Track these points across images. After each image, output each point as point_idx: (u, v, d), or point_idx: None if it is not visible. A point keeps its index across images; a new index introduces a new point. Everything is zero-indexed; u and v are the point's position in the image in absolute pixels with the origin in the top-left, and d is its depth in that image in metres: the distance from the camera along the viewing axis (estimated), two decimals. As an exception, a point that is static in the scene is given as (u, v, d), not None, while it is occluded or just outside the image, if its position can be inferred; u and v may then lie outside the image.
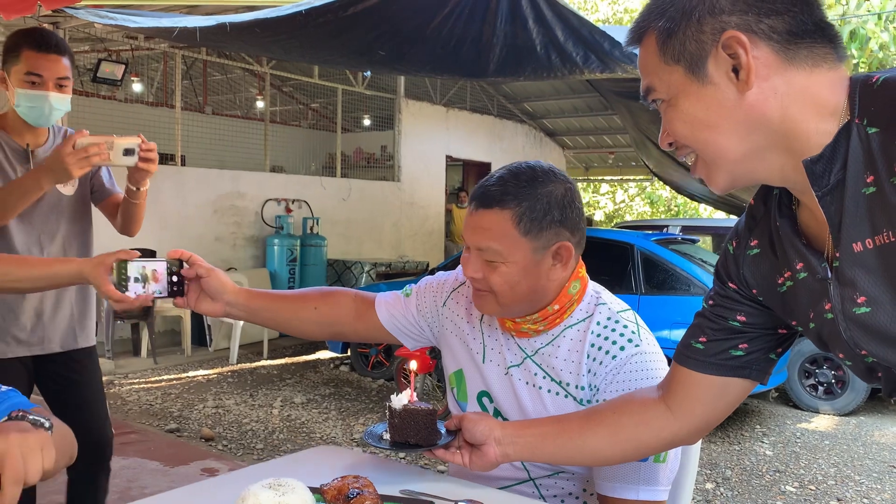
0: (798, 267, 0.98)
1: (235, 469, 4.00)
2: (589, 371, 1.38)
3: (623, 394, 1.32)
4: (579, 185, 17.56)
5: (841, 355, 0.98)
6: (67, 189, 2.33)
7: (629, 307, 1.47)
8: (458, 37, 4.31)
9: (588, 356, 1.38)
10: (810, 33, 0.88)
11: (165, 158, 8.54)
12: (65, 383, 2.41)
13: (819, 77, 0.88)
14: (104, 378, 6.23)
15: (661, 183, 13.76)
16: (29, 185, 2.04)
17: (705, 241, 8.34)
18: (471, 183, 13.20)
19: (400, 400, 1.33)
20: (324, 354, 7.79)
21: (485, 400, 1.51)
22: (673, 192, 14.78)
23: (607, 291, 1.50)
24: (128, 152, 2.04)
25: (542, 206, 1.34)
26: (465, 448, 1.32)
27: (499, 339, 1.50)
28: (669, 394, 1.21)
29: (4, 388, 1.31)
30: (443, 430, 1.34)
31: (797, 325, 1.06)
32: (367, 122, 11.58)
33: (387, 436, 1.34)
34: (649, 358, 1.37)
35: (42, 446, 1.04)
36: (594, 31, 4.10)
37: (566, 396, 1.40)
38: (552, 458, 1.31)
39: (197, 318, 7.69)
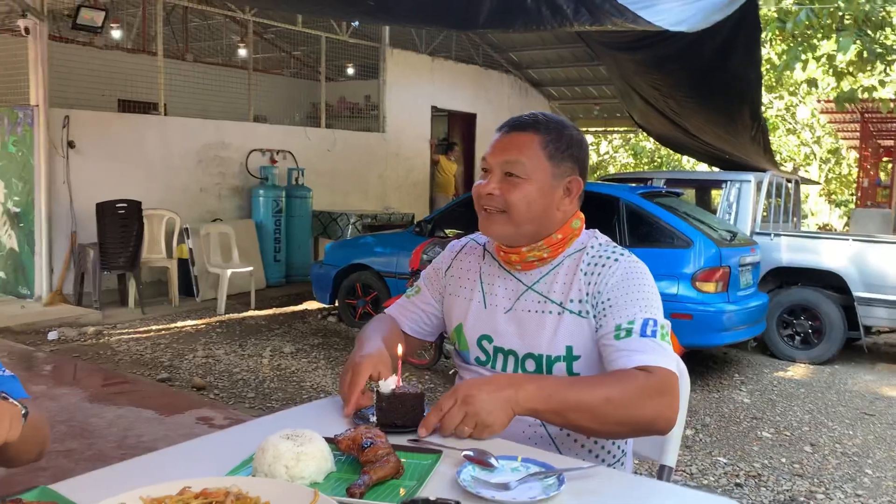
0: None
1: (230, 417, 4.10)
2: (586, 283, 1.54)
3: None
4: (563, 135, 17.45)
5: None
6: None
7: None
8: (448, -12, 4.27)
9: (583, 272, 1.55)
10: None
11: (148, 107, 8.44)
12: None
13: None
14: (92, 328, 6.30)
15: (646, 134, 13.77)
16: None
17: (688, 194, 8.43)
18: (455, 134, 13.13)
19: (388, 385, 1.40)
20: (311, 305, 7.86)
21: (484, 343, 1.64)
22: (656, 143, 14.81)
23: (600, 233, 1.68)
24: None
25: (566, 141, 1.57)
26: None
27: (497, 283, 1.65)
28: None
29: (8, 373, 1.38)
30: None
31: None
32: (350, 70, 11.44)
33: (373, 418, 1.41)
34: (642, 266, 1.56)
35: (11, 418, 1.14)
36: (585, -16, 4.09)
37: (560, 313, 1.55)
38: None
39: (184, 269, 7.71)
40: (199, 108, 9.11)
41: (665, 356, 1.43)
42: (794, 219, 8.20)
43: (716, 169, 10.40)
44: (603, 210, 5.87)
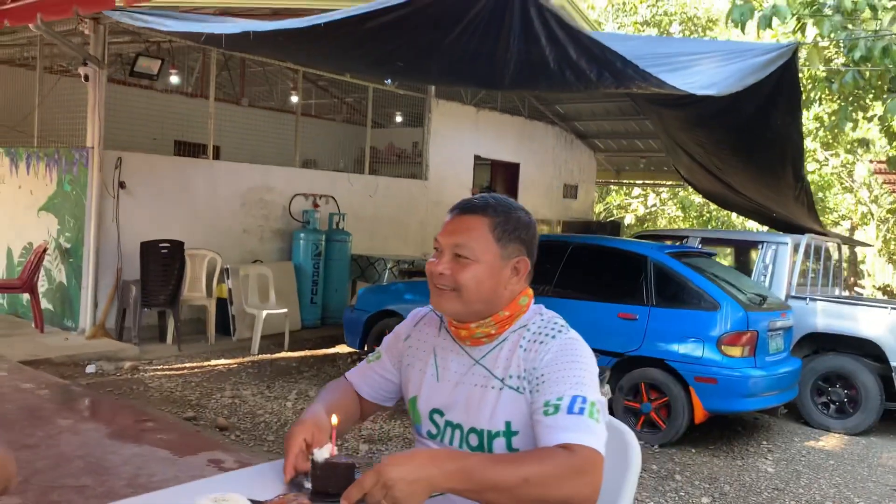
0: None
1: (240, 460, 4.18)
2: (525, 360, 1.58)
3: None
4: (611, 188, 17.47)
5: None
6: None
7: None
8: (473, 51, 4.41)
9: (522, 349, 1.60)
10: None
11: (203, 149, 8.79)
12: None
13: None
14: (129, 363, 6.51)
15: (694, 189, 13.66)
16: None
17: (726, 255, 8.32)
18: (498, 182, 13.26)
19: (322, 453, 1.46)
20: (343, 349, 7.96)
21: (436, 416, 1.68)
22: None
23: (546, 309, 1.71)
24: None
25: (513, 224, 1.63)
26: None
27: (450, 357, 1.70)
28: None
29: None
30: None
31: None
32: (398, 118, 11.72)
33: (308, 485, 1.47)
34: (579, 343, 1.59)
35: None
36: (606, 51, 4.16)
37: (500, 389, 1.60)
38: None
39: (222, 308, 7.92)
40: (249, 152, 9.43)
41: (590, 434, 1.44)
42: (839, 281, 7.99)
43: (765, 228, 10.26)
44: (630, 268, 5.86)
